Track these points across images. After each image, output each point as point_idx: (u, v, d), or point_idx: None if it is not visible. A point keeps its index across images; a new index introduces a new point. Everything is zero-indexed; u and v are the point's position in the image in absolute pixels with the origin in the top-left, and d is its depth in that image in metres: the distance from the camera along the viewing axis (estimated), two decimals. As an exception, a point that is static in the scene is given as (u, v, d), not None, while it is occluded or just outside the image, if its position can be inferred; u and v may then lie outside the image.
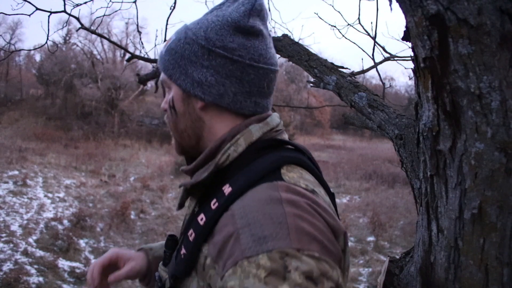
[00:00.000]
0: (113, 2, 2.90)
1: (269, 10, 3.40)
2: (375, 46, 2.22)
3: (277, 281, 0.49)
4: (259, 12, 0.71)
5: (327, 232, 0.57)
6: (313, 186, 0.64)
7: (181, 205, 0.76)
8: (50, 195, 9.92)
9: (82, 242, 7.14)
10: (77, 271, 5.93)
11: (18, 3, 2.54)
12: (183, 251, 0.66)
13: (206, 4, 3.47)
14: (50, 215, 8.36)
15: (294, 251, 0.51)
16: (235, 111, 0.71)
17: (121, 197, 10.15)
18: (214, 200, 0.64)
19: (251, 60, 0.70)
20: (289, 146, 0.71)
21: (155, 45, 3.14)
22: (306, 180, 0.64)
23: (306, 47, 1.71)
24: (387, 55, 2.47)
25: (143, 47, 3.16)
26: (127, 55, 3.29)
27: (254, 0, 0.71)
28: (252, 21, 0.70)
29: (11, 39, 23.02)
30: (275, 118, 0.74)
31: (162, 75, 0.76)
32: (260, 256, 0.51)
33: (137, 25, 3.09)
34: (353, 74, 2.07)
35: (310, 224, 0.55)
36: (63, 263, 6.12)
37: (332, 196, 0.72)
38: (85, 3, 2.63)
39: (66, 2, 2.54)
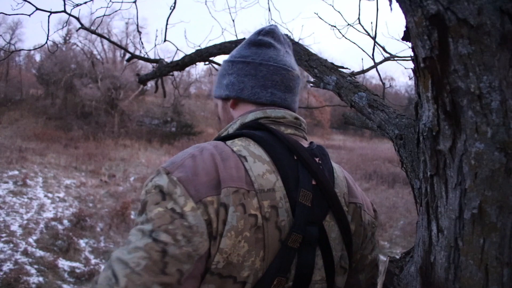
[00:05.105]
0: (113, 2, 2.90)
1: (269, 10, 3.40)
2: (375, 46, 2.22)
3: (146, 185, 0.71)
4: (270, 33, 0.93)
5: (205, 175, 0.69)
6: (248, 154, 0.75)
7: None
8: (50, 195, 9.92)
9: (82, 242, 7.14)
10: (77, 271, 5.93)
11: (18, 3, 2.54)
12: None
13: (206, 4, 3.47)
14: (50, 215, 8.36)
15: (164, 171, 0.70)
16: (255, 101, 0.88)
17: (121, 197, 10.15)
18: None
19: (262, 60, 0.89)
20: (274, 131, 0.81)
21: (155, 45, 3.15)
22: (246, 149, 0.76)
23: (306, 47, 1.71)
24: (387, 55, 2.48)
25: (143, 47, 3.16)
26: (127, 55, 3.29)
27: (266, 26, 0.94)
28: (262, 37, 0.91)
29: (11, 39, 23.02)
30: (279, 112, 0.86)
31: (214, 101, 0.99)
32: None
33: (137, 25, 3.09)
34: (353, 74, 2.08)
35: (195, 163, 0.70)
36: (63, 263, 6.12)
37: (296, 186, 0.75)
38: (85, 3, 2.63)
39: (66, 2, 2.54)
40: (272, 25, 0.95)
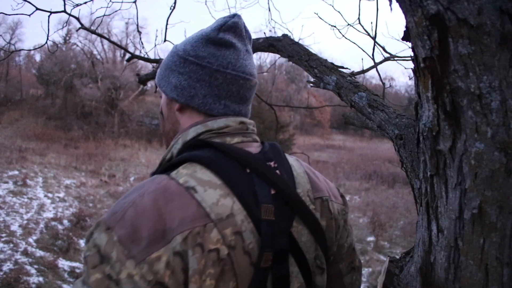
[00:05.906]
0: (113, 2, 2.90)
1: (269, 10, 3.39)
2: (375, 46, 2.22)
3: (87, 240, 0.66)
4: (233, 29, 0.80)
5: (148, 228, 0.64)
6: (196, 184, 0.68)
7: None
8: (50, 195, 9.92)
9: (82, 242, 7.13)
10: (77, 271, 5.93)
11: (18, 3, 2.54)
12: None
13: (206, 4, 3.47)
14: (50, 215, 8.36)
15: (104, 226, 0.65)
16: (205, 112, 0.79)
17: (121, 197, 10.14)
18: None
19: (219, 66, 0.78)
20: (220, 147, 0.75)
21: (155, 45, 3.14)
22: (194, 177, 0.69)
23: (306, 47, 1.71)
24: (387, 55, 2.47)
25: (143, 47, 3.15)
26: (127, 55, 3.28)
27: (229, 18, 0.81)
28: (223, 34, 0.79)
29: (11, 39, 23.02)
30: (221, 121, 0.79)
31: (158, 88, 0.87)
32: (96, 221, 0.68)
33: (137, 25, 3.09)
34: (353, 74, 2.07)
35: (136, 214, 0.65)
36: (63, 263, 6.12)
37: (255, 202, 0.70)
38: (85, 3, 2.63)
39: (66, 2, 2.54)
40: (235, 15, 0.82)
